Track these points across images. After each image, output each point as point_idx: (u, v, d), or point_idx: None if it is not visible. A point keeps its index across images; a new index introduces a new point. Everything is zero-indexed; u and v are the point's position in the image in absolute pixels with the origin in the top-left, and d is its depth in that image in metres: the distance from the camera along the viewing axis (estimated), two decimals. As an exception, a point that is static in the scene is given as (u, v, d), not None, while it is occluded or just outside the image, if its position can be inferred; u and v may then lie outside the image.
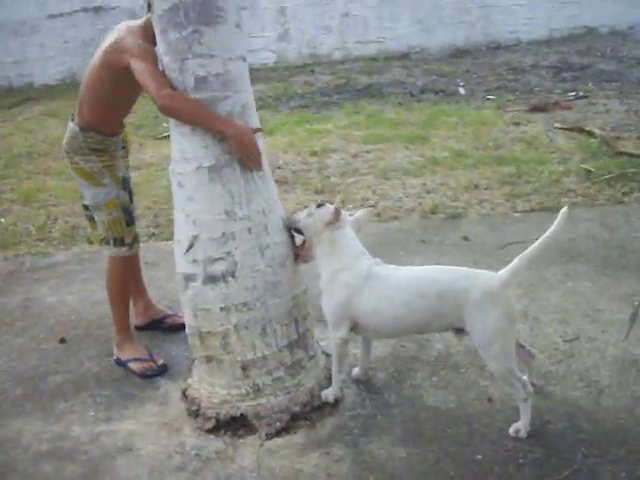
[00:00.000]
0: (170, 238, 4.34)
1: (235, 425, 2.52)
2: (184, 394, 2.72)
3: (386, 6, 10.66)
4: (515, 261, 2.35)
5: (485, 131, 6.46)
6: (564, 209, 2.31)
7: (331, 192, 5.14)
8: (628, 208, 4.33)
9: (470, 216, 4.42)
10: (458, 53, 10.74)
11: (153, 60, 2.44)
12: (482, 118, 6.95)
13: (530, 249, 2.33)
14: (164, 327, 3.28)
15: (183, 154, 2.43)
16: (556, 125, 6.60)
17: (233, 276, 2.44)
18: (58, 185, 5.86)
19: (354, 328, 2.51)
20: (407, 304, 2.37)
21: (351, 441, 2.44)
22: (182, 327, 3.17)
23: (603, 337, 2.99)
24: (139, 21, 2.59)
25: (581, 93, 7.87)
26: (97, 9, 10.51)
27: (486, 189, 4.85)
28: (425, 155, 5.82)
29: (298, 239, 2.64)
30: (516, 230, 4.13)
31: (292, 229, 2.60)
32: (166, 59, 2.37)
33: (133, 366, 2.96)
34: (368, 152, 6.08)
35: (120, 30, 2.59)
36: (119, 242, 2.92)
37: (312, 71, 10.27)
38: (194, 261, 2.47)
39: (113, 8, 10.44)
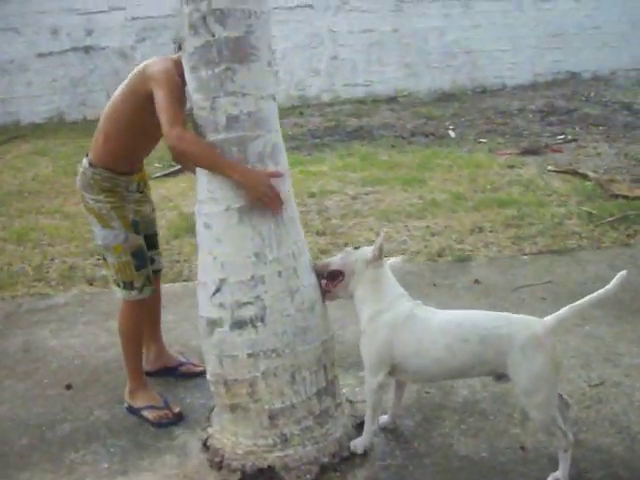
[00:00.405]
0: (176, 279, 4.31)
1: (262, 477, 2.40)
2: (205, 444, 2.59)
3: (374, 50, 10.84)
4: (564, 310, 2.31)
5: (481, 174, 6.51)
6: (623, 272, 2.27)
7: (332, 234, 5.10)
8: (634, 251, 4.34)
9: (478, 259, 4.39)
10: (445, 97, 10.92)
11: (177, 94, 2.40)
12: (476, 161, 7.01)
13: (580, 301, 2.31)
14: (176, 375, 3.16)
15: (211, 194, 2.37)
16: (549, 168, 6.68)
17: (262, 321, 2.36)
18: (52, 224, 5.73)
19: (392, 371, 2.43)
20: (449, 347, 2.31)
21: (385, 494, 2.34)
22: (195, 376, 3.10)
23: (628, 382, 2.94)
24: (173, 56, 2.54)
25: (569, 136, 8.01)
26: (87, 49, 10.49)
27: (491, 232, 4.84)
28: (424, 197, 5.82)
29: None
30: (526, 273, 4.12)
31: (322, 275, 2.53)
32: (196, 97, 2.32)
33: (147, 414, 2.83)
34: (367, 194, 6.06)
35: (153, 59, 2.56)
36: (128, 286, 2.82)
37: (301, 113, 10.33)
38: (221, 305, 2.39)
39: (103, 48, 10.44)
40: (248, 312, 2.36)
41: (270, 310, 2.36)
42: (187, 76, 2.35)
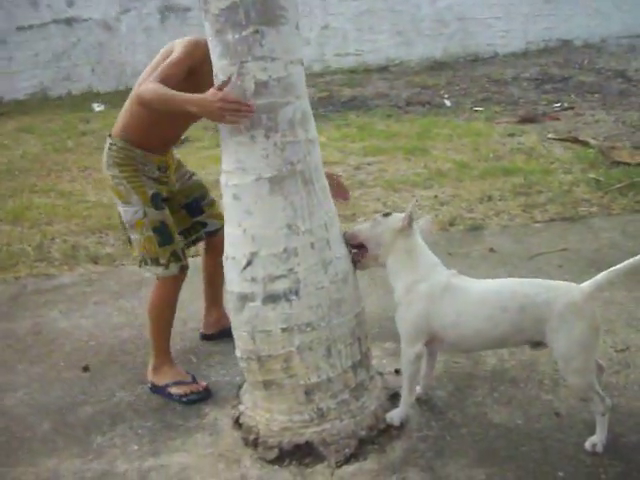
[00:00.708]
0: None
1: (300, 453, 2.35)
2: (237, 422, 2.54)
3: (365, 19, 10.66)
4: (601, 275, 2.27)
5: (482, 142, 6.44)
6: None
7: (339, 205, 5.00)
8: (646, 216, 4.32)
9: (491, 227, 4.34)
10: (437, 65, 10.79)
11: (186, 65, 2.43)
12: (475, 130, 6.95)
13: (619, 266, 2.26)
14: None
15: (240, 164, 2.28)
16: (549, 136, 6.63)
17: (296, 294, 2.29)
18: (47, 203, 5.60)
19: (428, 343, 2.39)
20: (489, 318, 2.26)
21: (426, 465, 2.30)
22: None
23: (655, 346, 2.92)
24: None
25: (566, 104, 7.96)
26: (68, 21, 10.19)
27: (500, 200, 4.80)
28: (429, 167, 5.75)
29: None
30: (540, 241, 4.08)
31: (352, 244, 2.46)
32: (222, 62, 2.22)
33: (176, 390, 2.76)
34: (369, 164, 5.98)
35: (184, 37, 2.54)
36: (155, 262, 2.74)
37: (292, 84, 10.16)
38: (252, 279, 2.31)
39: (85, 20, 10.16)
40: (281, 285, 2.29)
41: (304, 283, 2.29)
42: (211, 41, 2.25)
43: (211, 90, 2.21)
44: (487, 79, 9.72)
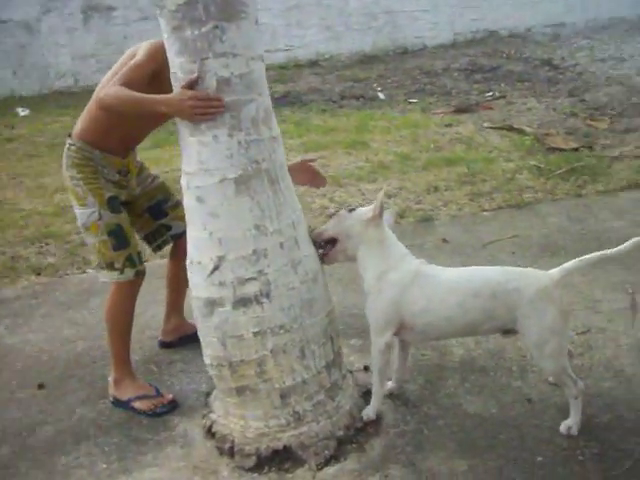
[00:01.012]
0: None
1: (279, 459, 2.30)
2: (209, 431, 2.46)
3: (293, 14, 10.61)
4: (570, 263, 2.32)
5: (421, 134, 6.51)
6: (637, 239, 2.25)
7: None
8: (588, 201, 4.45)
9: (441, 218, 4.38)
10: (367, 59, 10.84)
11: (149, 68, 2.36)
12: (413, 121, 7.01)
13: (588, 256, 2.31)
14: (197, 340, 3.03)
15: (203, 165, 2.20)
16: (485, 125, 6.76)
17: (267, 297, 2.23)
18: (-22, 214, 5.30)
19: (398, 332, 2.38)
20: (460, 304, 2.27)
21: (407, 460, 2.29)
22: None
23: (612, 327, 3.01)
24: None
25: (497, 93, 8.14)
26: (-14, 22, 9.73)
27: (446, 190, 4.85)
28: (371, 160, 5.76)
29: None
30: (490, 229, 4.14)
31: (318, 242, 2.42)
32: (180, 60, 2.13)
33: (140, 405, 2.66)
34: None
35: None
36: (110, 267, 2.64)
37: (224, 82, 10.01)
38: (221, 284, 2.24)
39: (5, 21, 9.69)
40: (252, 288, 2.22)
41: (275, 284, 2.24)
42: (167, 39, 2.16)
43: (181, 88, 2.13)
44: (418, 71, 9.83)
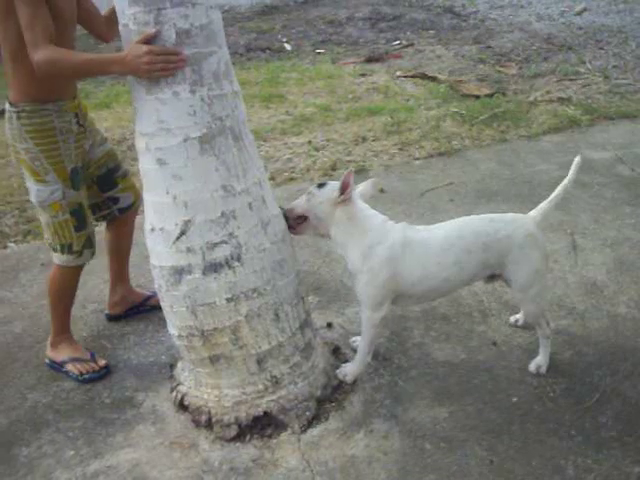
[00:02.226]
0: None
1: (260, 425, 2.24)
2: (181, 405, 2.35)
3: (189, -37, 10.08)
4: (544, 204, 2.35)
5: (336, 84, 6.44)
6: (578, 158, 2.34)
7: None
8: (514, 145, 4.56)
9: (374, 168, 4.36)
10: (268, 10, 10.57)
11: (40, 4, 2.07)
12: (325, 72, 6.92)
13: (554, 193, 2.35)
14: (146, 309, 2.92)
15: (163, 125, 2.03)
16: (398, 73, 6.77)
17: (239, 260, 2.13)
18: None
19: (394, 300, 2.33)
20: (456, 263, 2.24)
21: (388, 413, 2.29)
22: None
23: (557, 267, 3.12)
24: None
25: (404, 42, 8.15)
26: None
27: (374, 140, 4.83)
28: (292, 113, 5.64)
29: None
30: (425, 177, 4.17)
31: (290, 219, 2.32)
32: (133, 10, 1.94)
33: (71, 367, 2.57)
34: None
35: None
36: (67, 249, 2.45)
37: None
38: (189, 250, 2.11)
39: None
40: (222, 253, 2.11)
41: (245, 247, 2.13)
42: (115, -15, 1.95)
43: (134, 44, 1.93)
44: (322, 21, 9.69)
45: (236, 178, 2.11)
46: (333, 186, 2.27)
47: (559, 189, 2.35)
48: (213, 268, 2.12)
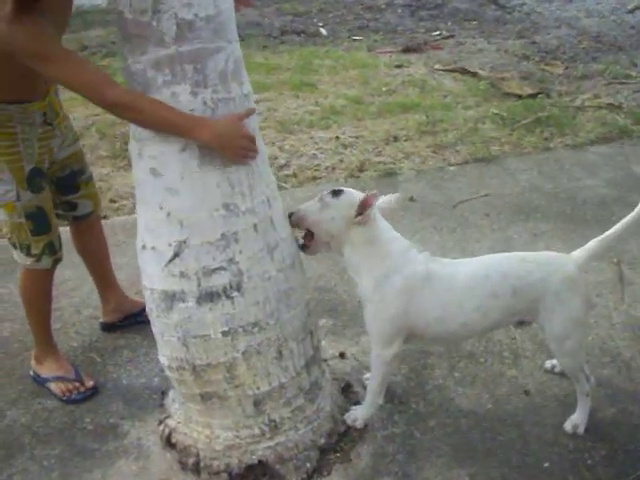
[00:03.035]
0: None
1: (252, 476, 1.97)
2: (168, 441, 2.10)
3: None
4: (592, 243, 2.01)
5: (370, 75, 6.11)
6: None
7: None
8: (557, 155, 4.20)
9: (405, 173, 4.04)
10: (305, -9, 10.21)
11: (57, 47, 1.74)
12: (360, 61, 6.59)
13: (608, 233, 2.00)
14: (143, 320, 2.62)
15: (159, 131, 1.75)
16: (437, 67, 6.41)
17: (239, 290, 1.85)
18: None
19: (406, 340, 2.04)
20: (479, 308, 1.94)
21: (400, 471, 2.01)
22: None
23: (601, 302, 2.78)
24: None
25: (445, 32, 7.77)
26: None
27: (406, 140, 4.50)
28: (321, 104, 5.34)
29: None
30: (460, 186, 3.85)
31: (297, 227, 2.03)
32: (128, -2, 1.66)
33: (54, 387, 2.36)
34: (256, 102, 5.41)
35: None
36: (25, 250, 2.22)
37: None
38: (182, 274, 1.84)
39: None
40: (220, 280, 1.84)
41: (248, 275, 1.85)
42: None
43: (233, 119, 1.73)
44: (360, 6, 9.34)
45: (240, 195, 1.82)
46: (350, 199, 1.95)
47: (618, 227, 2.01)
48: (209, 297, 1.84)
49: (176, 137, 1.73)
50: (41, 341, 2.44)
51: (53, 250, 2.25)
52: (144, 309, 2.64)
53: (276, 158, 4.40)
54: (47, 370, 2.40)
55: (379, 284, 1.94)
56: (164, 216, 1.82)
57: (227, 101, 1.77)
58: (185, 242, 1.81)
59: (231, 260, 1.83)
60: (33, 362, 2.44)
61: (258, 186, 1.87)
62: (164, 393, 2.27)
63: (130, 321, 2.70)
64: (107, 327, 2.71)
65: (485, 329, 2.07)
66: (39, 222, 2.19)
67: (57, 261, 2.30)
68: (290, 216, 2.00)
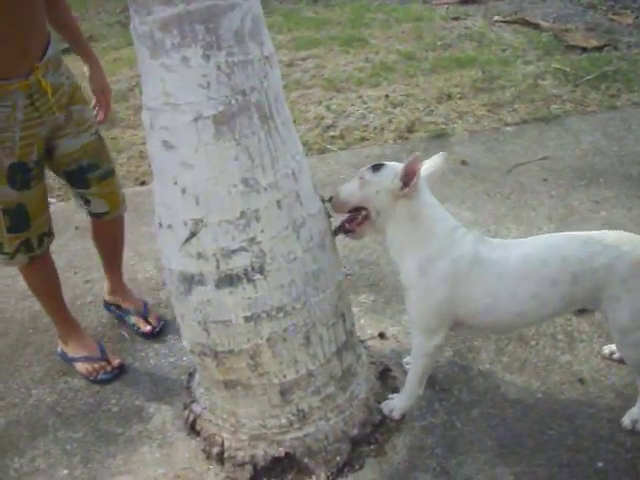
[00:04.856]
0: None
1: (279, 468, 1.85)
2: (192, 427, 2.00)
3: None
4: None
5: (425, 28, 5.77)
6: None
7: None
8: (624, 114, 3.84)
9: (456, 133, 3.78)
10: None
11: None
12: (415, 14, 6.24)
13: None
14: (121, 321, 2.56)
15: (170, 99, 1.59)
16: (496, 18, 6.01)
17: (261, 272, 1.70)
18: None
19: (452, 328, 1.86)
20: (535, 296, 1.73)
21: (438, 466, 1.85)
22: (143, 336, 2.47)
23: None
24: None
25: (507, -20, 7.27)
26: None
27: (460, 99, 4.21)
28: (372, 60, 5.07)
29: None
30: (516, 148, 3.57)
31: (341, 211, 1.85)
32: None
33: (80, 367, 2.30)
34: (304, 59, 5.24)
35: None
36: None
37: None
38: (200, 255, 1.70)
39: None
40: (241, 262, 1.68)
41: (270, 256, 1.70)
42: None
43: None
44: (418, -47, 8.84)
45: (261, 169, 1.65)
46: (392, 170, 1.76)
47: None
48: (228, 280, 1.70)
49: (188, 105, 1.57)
50: (60, 322, 2.35)
51: (30, 248, 2.08)
52: (129, 313, 2.51)
53: (322, 118, 4.20)
54: (72, 350, 2.33)
55: (423, 269, 1.75)
56: (179, 192, 1.67)
57: (244, 64, 1.59)
58: (202, 220, 1.67)
59: (252, 240, 1.68)
60: (59, 341, 2.38)
61: (282, 158, 1.69)
62: (191, 375, 2.17)
63: (114, 311, 2.58)
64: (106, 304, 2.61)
65: (541, 319, 1.87)
66: (17, 219, 2.01)
67: (36, 258, 2.13)
68: (330, 200, 1.83)
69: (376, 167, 1.78)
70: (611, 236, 1.75)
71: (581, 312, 1.88)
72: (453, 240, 1.75)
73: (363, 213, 1.81)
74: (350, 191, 1.81)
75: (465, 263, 1.73)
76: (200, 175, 1.64)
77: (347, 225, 1.84)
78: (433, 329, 1.80)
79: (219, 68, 1.56)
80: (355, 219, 1.83)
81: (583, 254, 1.71)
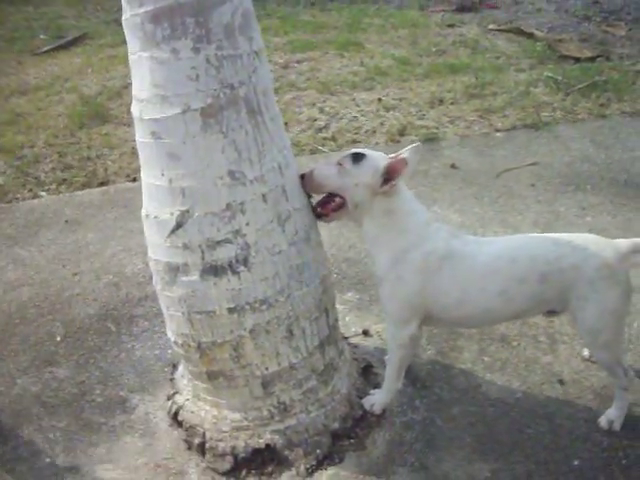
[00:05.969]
0: (90, 183, 3.51)
1: (260, 460, 1.87)
2: (175, 418, 2.01)
3: None
4: None
5: (420, 34, 5.82)
6: None
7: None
8: (613, 122, 3.89)
9: (448, 138, 3.82)
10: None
11: None
12: (411, 19, 6.31)
13: None
14: None
15: (159, 90, 1.62)
16: (491, 27, 6.07)
17: (245, 264, 1.72)
18: None
19: (424, 321, 1.88)
20: (503, 293, 1.76)
21: (417, 462, 1.87)
22: None
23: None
24: None
25: (503, -11, 7.33)
26: None
27: (452, 104, 4.25)
28: (366, 64, 5.11)
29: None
30: (505, 153, 3.61)
31: (315, 192, 1.87)
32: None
33: None
34: (299, 62, 5.28)
35: None
36: None
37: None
38: (185, 246, 1.72)
39: None
40: (225, 253, 1.71)
41: (255, 248, 1.72)
42: None
43: None
44: (416, -39, 8.90)
45: (248, 162, 1.68)
46: (374, 164, 1.76)
47: None
48: (213, 271, 1.72)
49: (177, 97, 1.59)
50: None
51: None
52: None
53: (315, 120, 4.24)
54: None
55: (396, 260, 1.79)
56: (166, 183, 1.69)
57: (233, 58, 1.62)
58: (188, 212, 1.69)
59: (237, 232, 1.70)
60: None
61: (269, 152, 1.72)
62: (175, 366, 2.18)
63: None
64: None
65: (509, 317, 1.89)
66: None
67: None
68: (302, 178, 1.83)
69: (357, 157, 1.78)
70: (580, 238, 1.79)
71: (551, 313, 1.90)
72: (427, 234, 1.79)
73: (338, 200, 1.81)
74: (326, 175, 1.80)
75: (437, 257, 1.76)
76: (187, 167, 1.66)
77: (320, 209, 1.85)
78: (406, 319, 1.83)
79: (208, 61, 1.59)
80: (329, 203, 1.83)
81: (551, 255, 1.74)
